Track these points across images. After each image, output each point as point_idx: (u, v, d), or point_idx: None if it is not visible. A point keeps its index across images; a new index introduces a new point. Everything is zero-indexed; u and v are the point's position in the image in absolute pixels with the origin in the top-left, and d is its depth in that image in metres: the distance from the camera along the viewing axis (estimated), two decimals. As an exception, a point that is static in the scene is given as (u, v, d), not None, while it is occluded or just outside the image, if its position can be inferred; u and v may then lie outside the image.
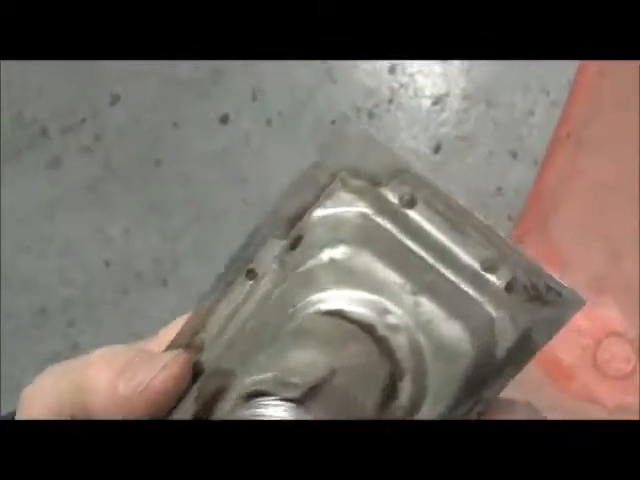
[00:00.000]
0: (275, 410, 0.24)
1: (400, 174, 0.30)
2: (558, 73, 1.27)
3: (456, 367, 0.28)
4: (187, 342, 0.31)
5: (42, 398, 0.31)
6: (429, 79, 1.36)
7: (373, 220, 0.30)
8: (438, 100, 1.34)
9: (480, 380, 0.29)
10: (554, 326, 0.29)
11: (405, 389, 0.28)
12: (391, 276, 0.29)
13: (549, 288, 0.28)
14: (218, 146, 1.42)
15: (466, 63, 1.33)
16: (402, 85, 1.36)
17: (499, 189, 1.23)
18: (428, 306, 0.28)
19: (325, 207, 0.30)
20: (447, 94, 1.34)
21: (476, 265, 0.29)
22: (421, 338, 0.28)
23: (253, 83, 1.43)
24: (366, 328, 0.28)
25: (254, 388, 0.25)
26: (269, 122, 1.41)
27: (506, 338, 0.28)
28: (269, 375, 0.25)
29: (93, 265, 1.38)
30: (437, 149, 1.30)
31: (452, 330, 0.28)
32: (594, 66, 0.43)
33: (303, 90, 1.34)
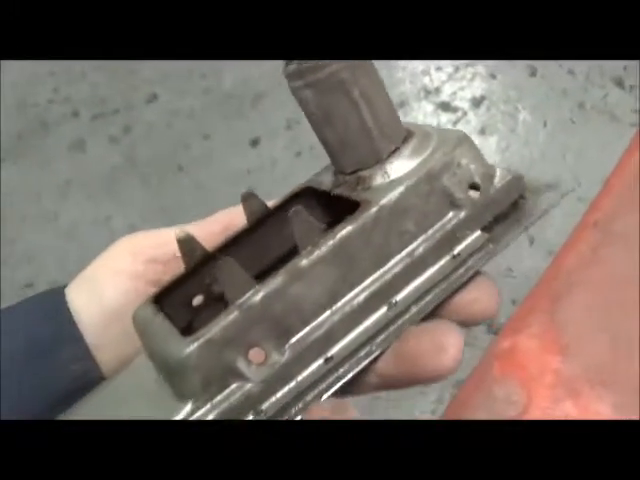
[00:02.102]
0: None
1: None
2: (593, 170, 1.26)
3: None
4: None
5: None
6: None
7: None
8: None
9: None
10: None
11: None
12: None
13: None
14: (243, 166, 1.42)
15: (504, 142, 1.33)
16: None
17: (509, 270, 1.22)
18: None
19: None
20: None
21: None
22: None
23: (291, 112, 1.43)
24: None
25: None
26: (299, 154, 1.41)
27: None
28: None
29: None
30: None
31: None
32: (632, 168, 0.43)
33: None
